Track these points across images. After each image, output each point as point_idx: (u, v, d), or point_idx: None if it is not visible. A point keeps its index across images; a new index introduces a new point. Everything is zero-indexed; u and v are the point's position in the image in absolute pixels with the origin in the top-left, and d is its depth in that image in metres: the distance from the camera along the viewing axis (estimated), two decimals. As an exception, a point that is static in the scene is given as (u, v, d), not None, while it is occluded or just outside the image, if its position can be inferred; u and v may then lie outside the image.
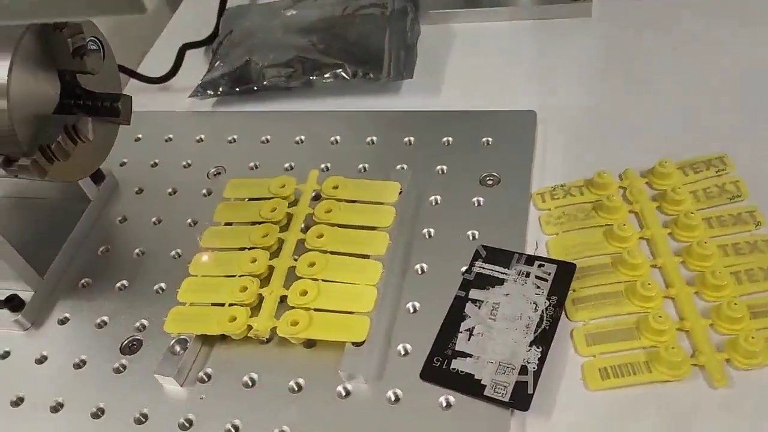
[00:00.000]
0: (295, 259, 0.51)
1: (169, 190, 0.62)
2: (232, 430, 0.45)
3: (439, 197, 0.56)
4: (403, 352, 0.47)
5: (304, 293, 0.48)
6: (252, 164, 0.62)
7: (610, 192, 0.53)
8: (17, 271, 0.52)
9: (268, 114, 0.68)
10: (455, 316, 0.48)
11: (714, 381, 0.42)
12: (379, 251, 0.50)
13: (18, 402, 0.49)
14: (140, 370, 0.49)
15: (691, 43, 0.65)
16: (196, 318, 0.49)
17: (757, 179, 0.52)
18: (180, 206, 0.60)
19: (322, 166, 0.60)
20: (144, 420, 0.47)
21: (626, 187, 0.54)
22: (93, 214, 0.60)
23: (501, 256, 0.50)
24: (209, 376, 0.48)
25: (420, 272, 0.51)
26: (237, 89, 0.69)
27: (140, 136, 0.68)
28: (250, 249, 0.52)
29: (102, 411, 0.47)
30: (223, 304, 0.49)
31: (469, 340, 0.46)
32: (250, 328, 0.48)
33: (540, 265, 0.49)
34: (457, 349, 0.46)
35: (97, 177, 0.61)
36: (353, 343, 0.46)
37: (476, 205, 0.55)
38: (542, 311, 0.47)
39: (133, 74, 0.73)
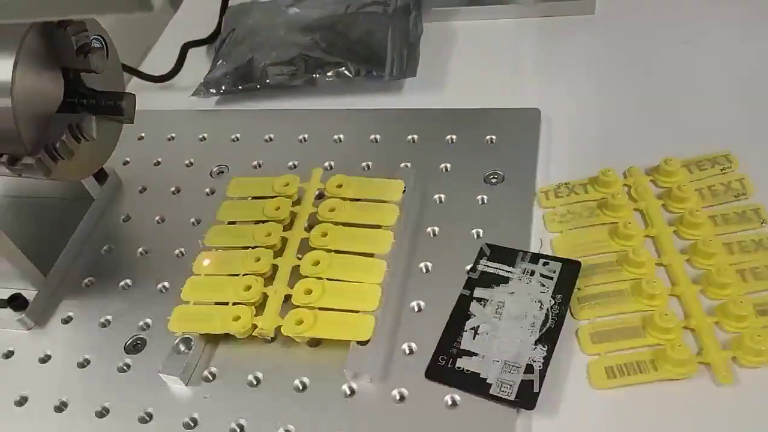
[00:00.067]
0: (299, 258, 0.51)
1: (172, 188, 0.62)
2: (237, 429, 0.45)
3: (443, 195, 0.56)
4: (408, 351, 0.47)
5: (309, 292, 0.48)
6: (255, 163, 0.62)
7: (614, 190, 0.53)
8: (21, 270, 0.52)
9: (270, 112, 0.68)
10: (460, 314, 0.47)
11: (720, 379, 0.42)
12: (384, 250, 0.50)
13: (22, 401, 0.49)
14: (144, 370, 0.49)
15: (695, 40, 0.65)
16: (200, 317, 0.49)
17: (762, 177, 0.52)
18: (183, 205, 0.60)
19: (326, 164, 0.60)
20: (149, 419, 0.46)
21: (631, 185, 0.54)
22: (96, 213, 0.60)
23: (505, 255, 0.50)
24: (214, 375, 0.48)
25: (424, 271, 0.51)
26: (240, 87, 0.69)
27: (143, 134, 0.68)
28: (253, 248, 0.52)
29: (106, 410, 0.47)
30: (227, 303, 0.49)
31: (474, 338, 0.46)
32: (254, 327, 0.48)
33: (545, 263, 0.49)
34: (462, 347, 0.46)
35: (100, 176, 0.61)
36: (358, 342, 0.46)
37: (480, 203, 0.54)
38: (547, 309, 0.47)
39: (136, 73, 0.73)
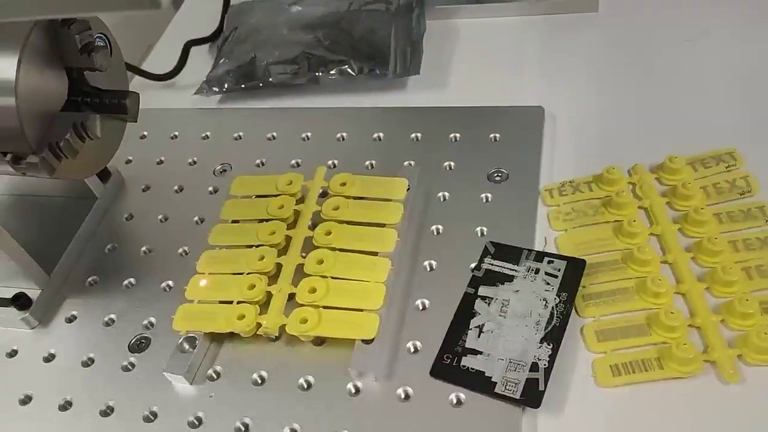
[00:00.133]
0: (303, 257, 0.51)
1: (176, 187, 0.61)
2: (242, 428, 0.45)
3: (447, 194, 0.55)
4: (412, 350, 0.47)
5: (313, 291, 0.48)
6: (258, 161, 0.62)
7: (619, 188, 0.53)
8: (24, 270, 0.52)
9: (273, 111, 0.68)
10: (465, 313, 0.47)
11: (726, 377, 0.42)
12: (388, 248, 0.50)
13: (26, 400, 0.49)
14: (149, 368, 0.49)
15: (699, 38, 0.65)
16: (205, 316, 0.49)
17: (767, 174, 0.52)
18: (186, 204, 0.60)
19: (329, 162, 0.60)
20: (153, 418, 0.46)
21: (635, 183, 0.54)
22: (99, 212, 0.60)
23: (510, 253, 0.50)
24: (218, 374, 0.48)
25: (429, 269, 0.51)
26: (242, 86, 0.69)
27: (146, 133, 0.68)
28: (257, 246, 0.52)
29: (111, 409, 0.47)
30: (231, 302, 0.49)
31: (479, 337, 0.46)
32: (259, 325, 0.48)
33: (549, 262, 0.49)
34: (467, 346, 0.46)
35: (104, 175, 0.61)
36: (363, 341, 0.46)
37: (484, 201, 0.54)
38: (552, 308, 0.46)
39: (138, 71, 0.73)
